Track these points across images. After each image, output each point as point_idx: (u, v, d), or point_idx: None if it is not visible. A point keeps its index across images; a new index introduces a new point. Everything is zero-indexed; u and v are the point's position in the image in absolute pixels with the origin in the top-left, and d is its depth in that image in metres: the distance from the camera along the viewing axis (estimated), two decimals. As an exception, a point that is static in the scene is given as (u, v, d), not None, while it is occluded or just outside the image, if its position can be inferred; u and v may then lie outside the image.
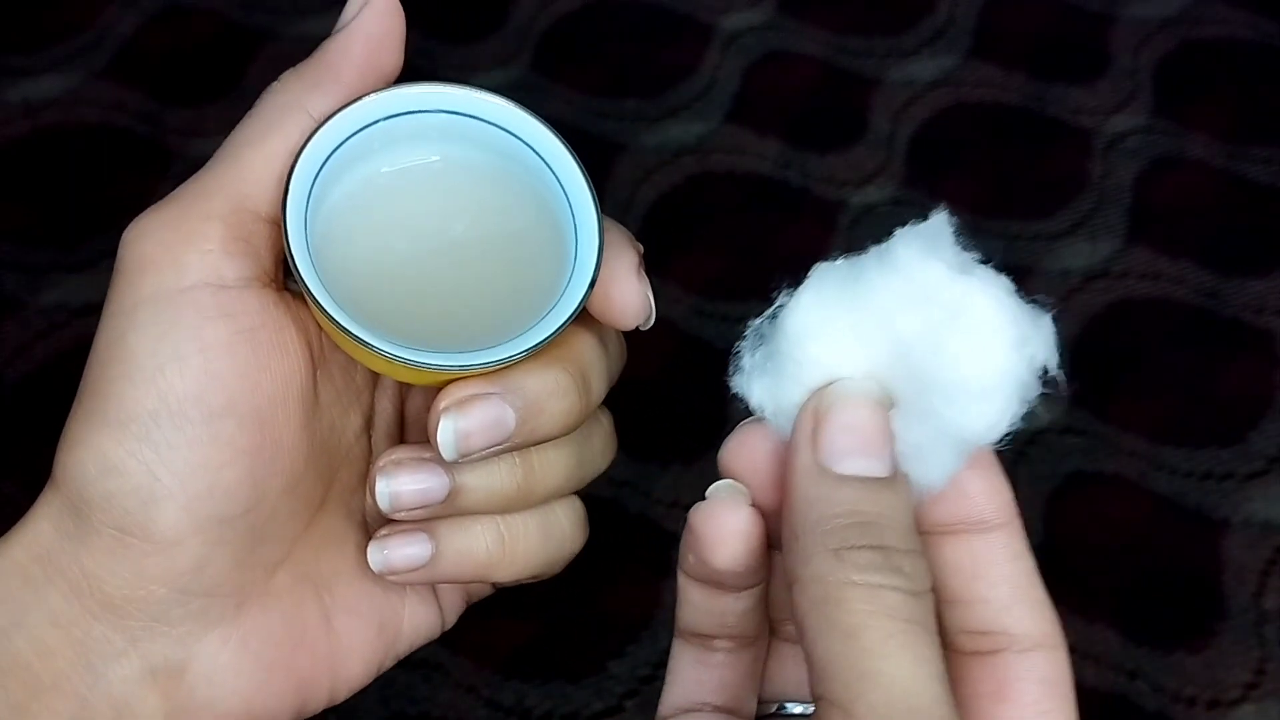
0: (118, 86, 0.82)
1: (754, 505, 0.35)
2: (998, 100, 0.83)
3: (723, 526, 0.34)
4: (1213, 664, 0.61)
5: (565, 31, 0.85)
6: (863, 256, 0.34)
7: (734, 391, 0.35)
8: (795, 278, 0.34)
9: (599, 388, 0.39)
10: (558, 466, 0.40)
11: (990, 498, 0.34)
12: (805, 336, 0.33)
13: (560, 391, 0.38)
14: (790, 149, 0.80)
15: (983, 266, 0.33)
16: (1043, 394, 0.33)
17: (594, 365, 0.39)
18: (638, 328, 0.39)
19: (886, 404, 0.33)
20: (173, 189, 0.38)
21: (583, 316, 0.38)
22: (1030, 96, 0.83)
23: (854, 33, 0.86)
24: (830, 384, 0.33)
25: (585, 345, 0.39)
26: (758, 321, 0.35)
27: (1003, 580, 0.34)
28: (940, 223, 0.33)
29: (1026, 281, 0.34)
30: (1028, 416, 0.33)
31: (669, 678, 0.38)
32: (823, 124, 0.82)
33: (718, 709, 0.37)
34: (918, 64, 0.84)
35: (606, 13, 0.87)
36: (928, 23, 0.87)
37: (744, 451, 0.35)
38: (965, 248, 0.33)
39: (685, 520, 0.35)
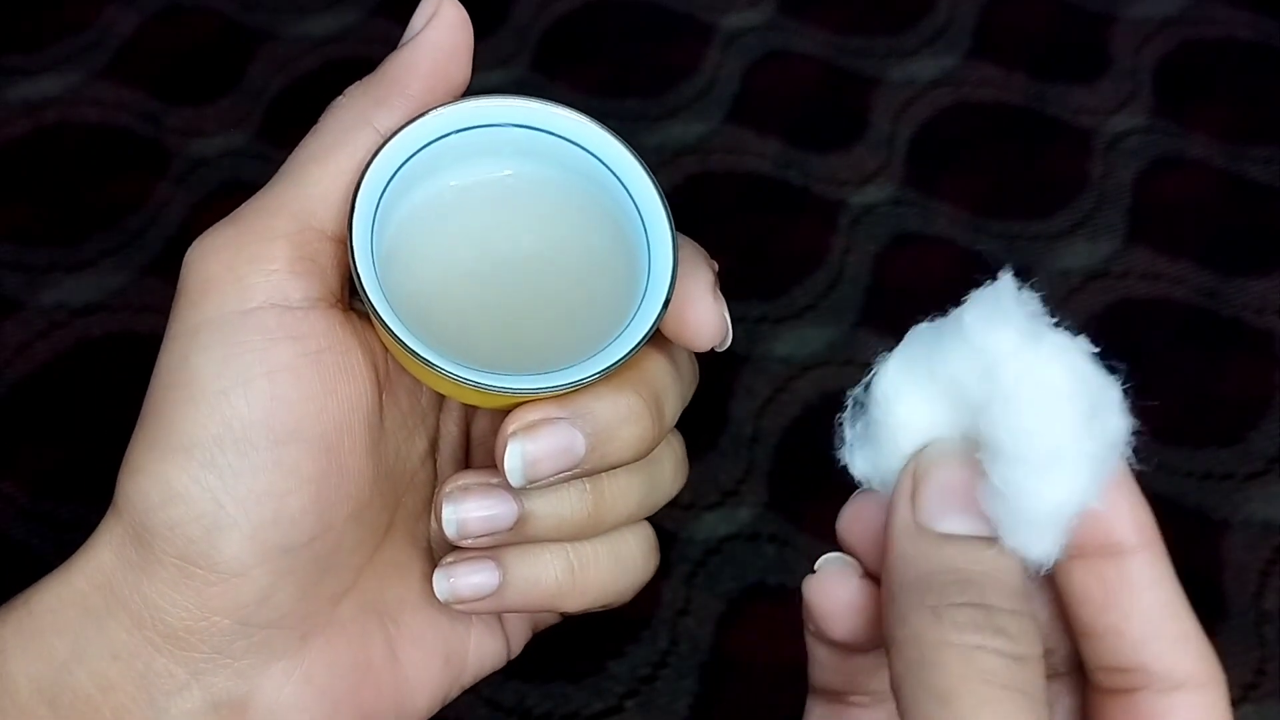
0: (118, 86, 0.82)
1: (867, 575, 0.33)
2: (998, 100, 0.83)
3: (834, 600, 0.33)
4: (1213, 664, 0.61)
5: (565, 31, 0.85)
6: (945, 319, 0.33)
7: (841, 464, 0.34)
8: (890, 342, 0.34)
9: (672, 412, 0.38)
10: (629, 493, 0.38)
11: (1123, 517, 0.32)
12: (893, 402, 0.33)
13: (633, 417, 0.36)
14: (790, 149, 0.80)
15: (1055, 331, 0.32)
16: (1118, 464, 0.32)
17: (667, 389, 0.37)
18: (713, 349, 0.38)
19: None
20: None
21: (655, 337, 0.36)
22: (1030, 96, 0.83)
23: (854, 33, 0.86)
24: (926, 446, 0.33)
25: (658, 368, 0.37)
26: (857, 390, 0.34)
27: (1138, 611, 0.32)
28: (1006, 286, 0.32)
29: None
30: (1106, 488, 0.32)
31: None
32: (823, 124, 0.81)
33: None
34: (918, 64, 0.84)
35: (606, 13, 0.87)
36: (928, 23, 0.87)
37: (858, 522, 0.34)
38: (1037, 311, 0.32)
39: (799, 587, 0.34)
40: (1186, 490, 0.66)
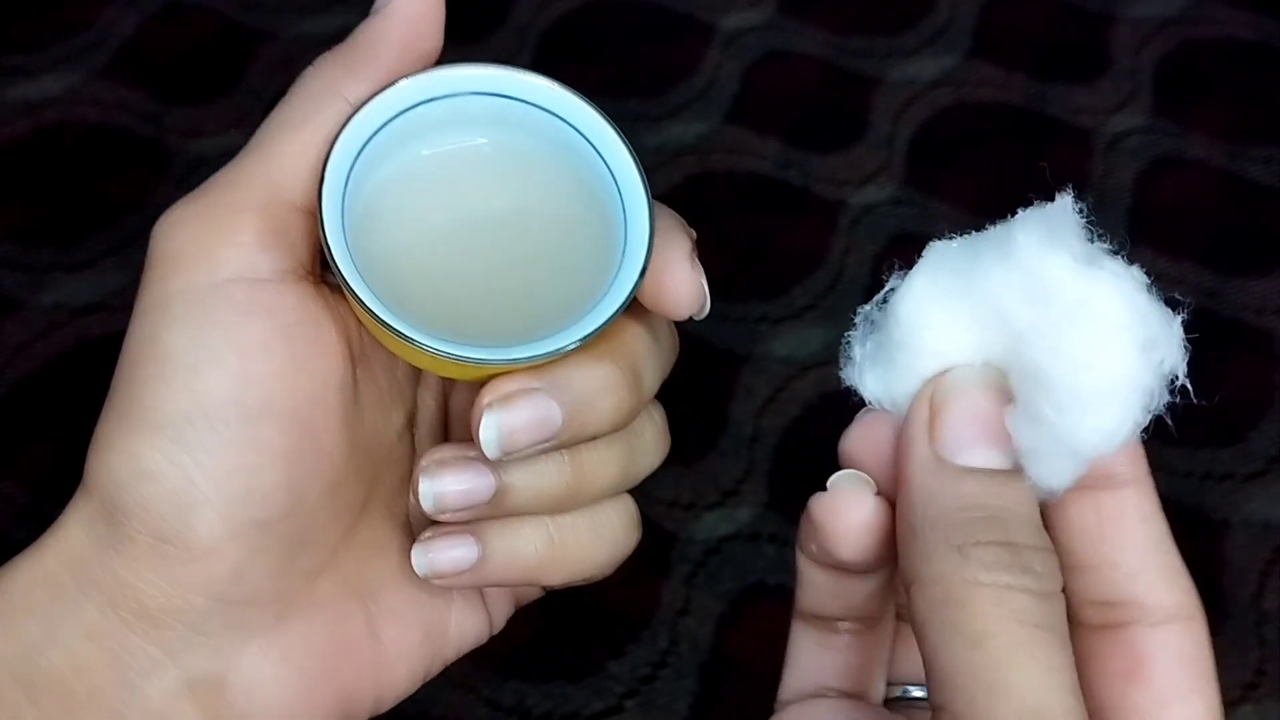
0: (118, 86, 0.82)
1: (879, 494, 0.32)
2: (998, 100, 0.83)
3: (846, 519, 0.33)
4: (1213, 664, 0.61)
5: (565, 31, 0.85)
6: (980, 237, 0.31)
7: (846, 384, 0.33)
8: (905, 260, 0.32)
9: (651, 381, 0.37)
10: (608, 464, 0.38)
11: (1122, 450, 0.32)
12: (918, 323, 0.31)
13: (610, 387, 0.36)
14: (790, 149, 0.80)
15: (1112, 258, 0.30)
16: (1169, 403, 0.30)
17: (646, 358, 0.37)
18: (691, 318, 0.37)
19: (1006, 393, 0.31)
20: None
21: (633, 306, 0.36)
22: (1030, 96, 0.83)
23: (854, 33, 0.86)
24: (946, 371, 0.31)
25: (636, 337, 0.37)
26: (868, 307, 0.32)
27: (1131, 543, 0.32)
28: (1064, 207, 0.30)
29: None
30: (1149, 427, 0.30)
31: (788, 662, 0.36)
32: (823, 124, 0.81)
33: (842, 693, 0.35)
34: (918, 64, 0.84)
35: (606, 13, 0.87)
36: (928, 23, 0.87)
37: (867, 441, 0.33)
38: (1091, 236, 0.30)
39: (804, 510, 0.33)
40: (1186, 490, 0.66)
